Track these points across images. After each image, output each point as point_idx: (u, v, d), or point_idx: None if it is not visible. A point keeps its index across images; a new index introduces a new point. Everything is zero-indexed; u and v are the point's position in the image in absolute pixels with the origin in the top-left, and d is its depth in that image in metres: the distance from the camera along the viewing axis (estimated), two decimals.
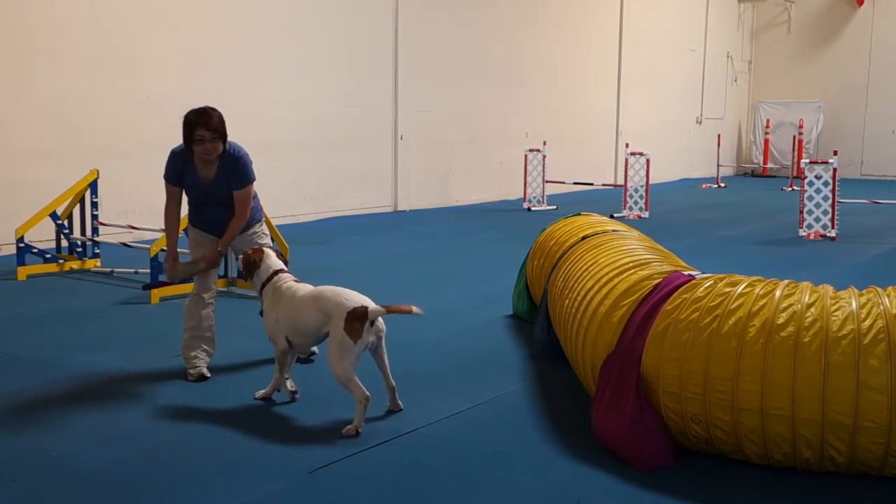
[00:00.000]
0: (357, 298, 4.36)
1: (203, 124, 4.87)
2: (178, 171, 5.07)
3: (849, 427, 3.51)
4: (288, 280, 4.71)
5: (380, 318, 4.37)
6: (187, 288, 7.40)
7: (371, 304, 4.33)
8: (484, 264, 9.29)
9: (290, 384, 4.71)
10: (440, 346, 5.91)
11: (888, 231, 12.21)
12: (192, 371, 5.09)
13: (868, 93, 22.97)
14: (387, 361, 4.47)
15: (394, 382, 4.51)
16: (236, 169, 5.05)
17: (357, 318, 4.25)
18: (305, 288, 4.62)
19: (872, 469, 3.63)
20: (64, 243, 8.75)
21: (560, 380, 5.11)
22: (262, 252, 4.84)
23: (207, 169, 5.04)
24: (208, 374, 5.10)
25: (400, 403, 4.53)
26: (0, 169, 9.51)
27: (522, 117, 16.73)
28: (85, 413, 4.53)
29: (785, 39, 24.40)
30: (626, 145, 15.13)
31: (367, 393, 4.24)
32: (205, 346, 5.17)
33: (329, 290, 4.47)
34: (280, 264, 4.82)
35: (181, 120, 4.94)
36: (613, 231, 5.74)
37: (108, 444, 4.10)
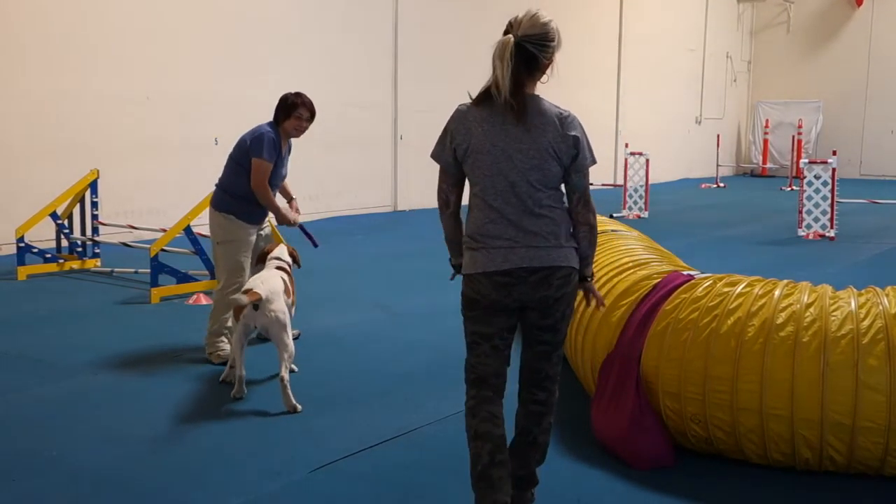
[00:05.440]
0: (253, 284, 4.73)
1: (303, 104, 5.44)
2: (280, 148, 5.49)
3: (848, 427, 3.51)
4: (271, 265, 5.20)
5: (269, 304, 4.64)
6: (187, 288, 7.44)
7: (261, 293, 4.60)
8: None
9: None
10: (440, 345, 5.91)
11: (887, 231, 12.21)
12: (220, 354, 5.39)
13: (867, 93, 22.98)
14: (278, 347, 4.66)
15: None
16: (289, 146, 5.71)
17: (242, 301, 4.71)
18: (261, 275, 4.96)
19: (871, 469, 3.63)
20: (64, 243, 8.76)
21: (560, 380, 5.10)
22: (276, 245, 5.47)
23: (285, 147, 5.61)
24: None
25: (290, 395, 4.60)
26: (0, 169, 9.51)
27: None
28: (85, 413, 4.53)
29: (784, 39, 24.41)
30: (626, 145, 15.14)
31: (242, 373, 4.70)
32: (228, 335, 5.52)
33: (256, 276, 4.96)
34: (280, 254, 5.34)
35: (280, 100, 5.43)
36: (613, 231, 5.75)
37: (108, 444, 4.10)
